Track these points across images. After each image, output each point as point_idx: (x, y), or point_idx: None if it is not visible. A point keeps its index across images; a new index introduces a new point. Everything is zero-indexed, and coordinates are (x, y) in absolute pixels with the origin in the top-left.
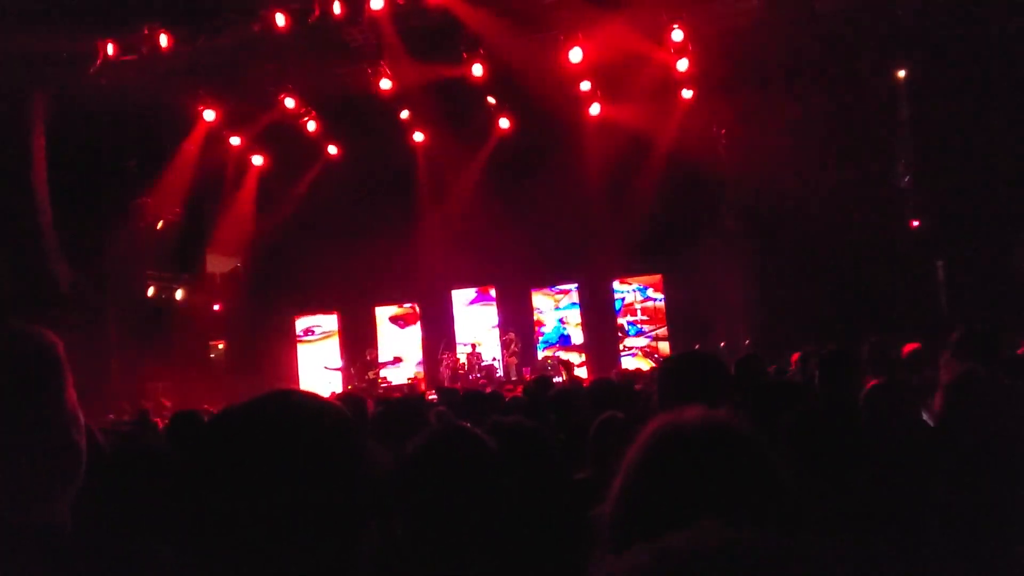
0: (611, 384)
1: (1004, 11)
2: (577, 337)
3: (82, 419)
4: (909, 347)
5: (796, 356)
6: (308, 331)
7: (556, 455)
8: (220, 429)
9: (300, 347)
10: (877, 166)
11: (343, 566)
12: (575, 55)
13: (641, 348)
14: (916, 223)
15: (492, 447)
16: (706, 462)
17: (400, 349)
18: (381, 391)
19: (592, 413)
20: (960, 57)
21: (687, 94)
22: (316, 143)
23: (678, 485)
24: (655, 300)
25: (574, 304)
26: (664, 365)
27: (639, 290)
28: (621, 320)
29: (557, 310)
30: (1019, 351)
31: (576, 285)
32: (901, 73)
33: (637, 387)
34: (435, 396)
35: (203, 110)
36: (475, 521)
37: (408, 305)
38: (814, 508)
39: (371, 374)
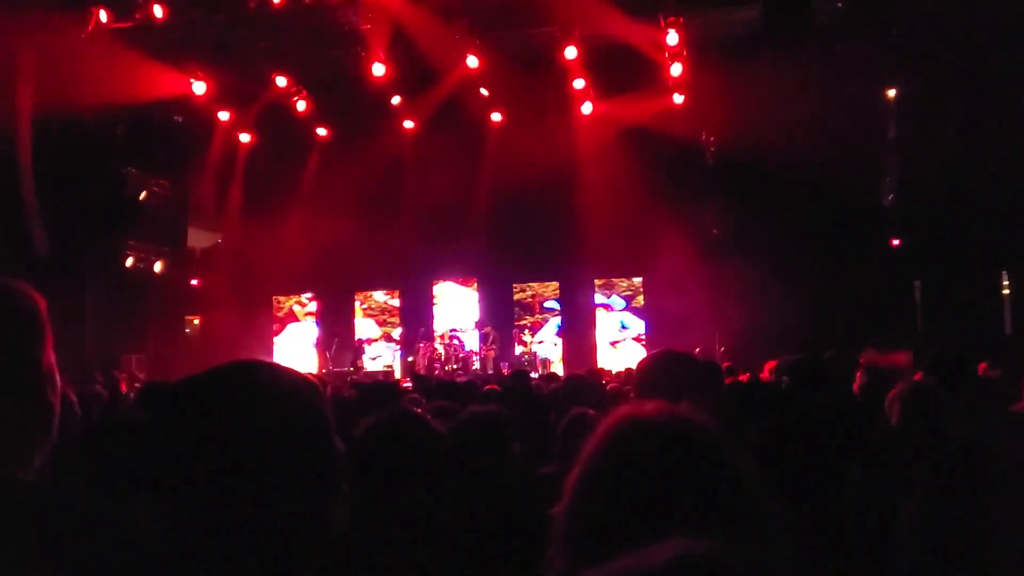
0: (584, 381)
1: (996, 36)
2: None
3: (58, 380)
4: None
5: (770, 365)
6: (292, 315)
7: (516, 445)
8: (187, 392)
9: (276, 327)
10: (862, 183)
11: (313, 532)
12: (570, 52)
13: (617, 346)
14: (897, 242)
15: (440, 433)
16: (665, 456)
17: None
18: (354, 378)
19: (565, 409)
20: (951, 80)
21: (678, 99)
22: (306, 124)
23: (636, 479)
24: (635, 303)
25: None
26: (642, 363)
27: (621, 299)
28: (600, 319)
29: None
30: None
31: (557, 282)
32: (891, 92)
33: (610, 386)
34: (410, 384)
35: (194, 83)
36: (419, 506)
37: (392, 299)
38: (779, 511)
39: (359, 362)
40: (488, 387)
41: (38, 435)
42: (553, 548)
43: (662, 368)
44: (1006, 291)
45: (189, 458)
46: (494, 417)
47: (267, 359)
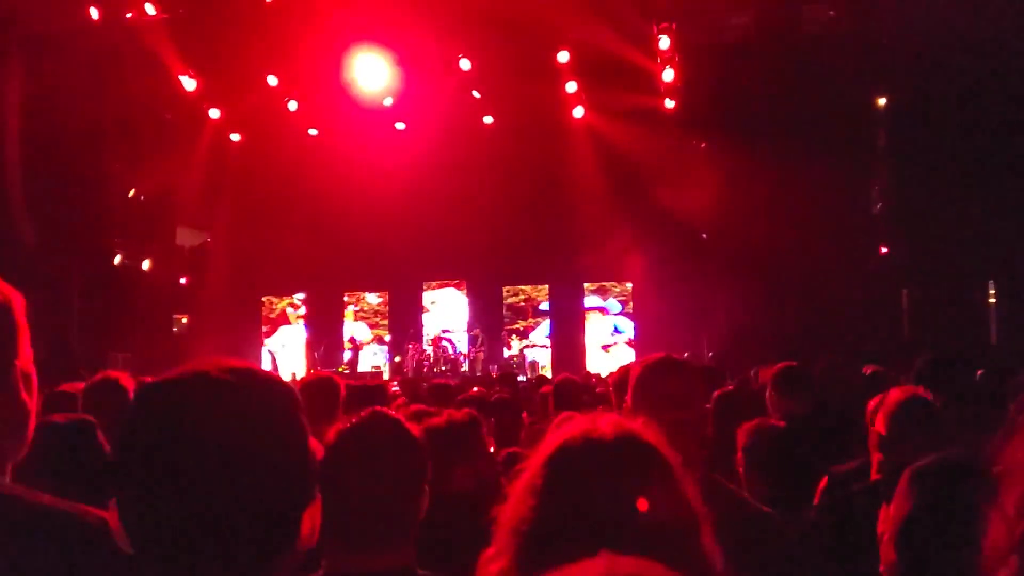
0: (575, 384)
1: (987, 45)
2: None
3: (35, 380)
4: (868, 368)
5: (748, 372)
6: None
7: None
8: (162, 391)
9: (267, 328)
10: (851, 190)
11: (284, 536)
12: (562, 56)
13: (609, 350)
14: (885, 249)
15: (415, 436)
16: (610, 480)
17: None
18: (341, 377)
19: (553, 412)
20: (940, 89)
21: (670, 104)
22: (296, 123)
23: (578, 499)
24: (624, 308)
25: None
26: (636, 369)
27: (617, 303)
28: (594, 322)
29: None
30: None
31: (547, 285)
32: (882, 101)
33: (599, 389)
34: (398, 388)
35: (184, 80)
36: (391, 510)
37: (380, 298)
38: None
39: (353, 359)
40: (475, 390)
41: (12, 436)
42: (492, 550)
43: (657, 377)
44: (992, 300)
45: (161, 458)
46: (469, 422)
47: (247, 361)
